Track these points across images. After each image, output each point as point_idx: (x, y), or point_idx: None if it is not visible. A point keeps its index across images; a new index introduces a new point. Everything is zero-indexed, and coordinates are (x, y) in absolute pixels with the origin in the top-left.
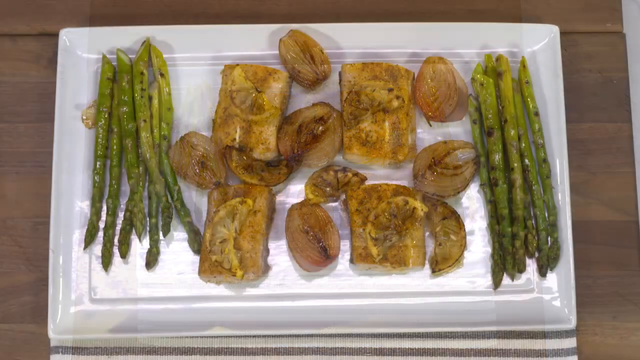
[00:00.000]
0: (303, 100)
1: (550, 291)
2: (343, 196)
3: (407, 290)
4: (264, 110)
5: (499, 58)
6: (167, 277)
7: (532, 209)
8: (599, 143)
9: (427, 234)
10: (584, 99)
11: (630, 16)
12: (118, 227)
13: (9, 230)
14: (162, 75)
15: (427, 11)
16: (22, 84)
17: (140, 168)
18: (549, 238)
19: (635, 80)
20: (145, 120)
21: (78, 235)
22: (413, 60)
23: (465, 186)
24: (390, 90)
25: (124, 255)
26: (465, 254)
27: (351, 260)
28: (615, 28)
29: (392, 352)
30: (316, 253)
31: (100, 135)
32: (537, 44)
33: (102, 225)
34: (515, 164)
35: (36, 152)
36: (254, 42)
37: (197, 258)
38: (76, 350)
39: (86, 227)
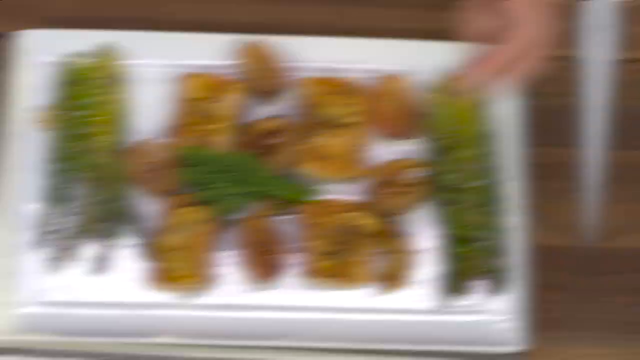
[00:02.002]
0: (259, 112)
1: (500, 313)
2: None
3: (355, 306)
4: (220, 121)
5: (455, 77)
6: (117, 283)
7: (484, 231)
8: (552, 167)
9: (377, 250)
10: (540, 122)
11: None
12: (69, 231)
13: None
14: (119, 80)
15: (387, 29)
16: None
17: (93, 173)
18: (500, 260)
19: (586, 105)
20: (100, 125)
21: (28, 237)
22: (371, 76)
23: (416, 204)
24: (347, 105)
25: (73, 259)
26: (414, 272)
27: (300, 275)
28: (568, 52)
29: None
30: (265, 266)
31: (55, 139)
32: None
33: (52, 228)
34: (469, 185)
35: None
36: (213, 51)
37: (146, 265)
38: (23, 352)
39: (36, 229)
